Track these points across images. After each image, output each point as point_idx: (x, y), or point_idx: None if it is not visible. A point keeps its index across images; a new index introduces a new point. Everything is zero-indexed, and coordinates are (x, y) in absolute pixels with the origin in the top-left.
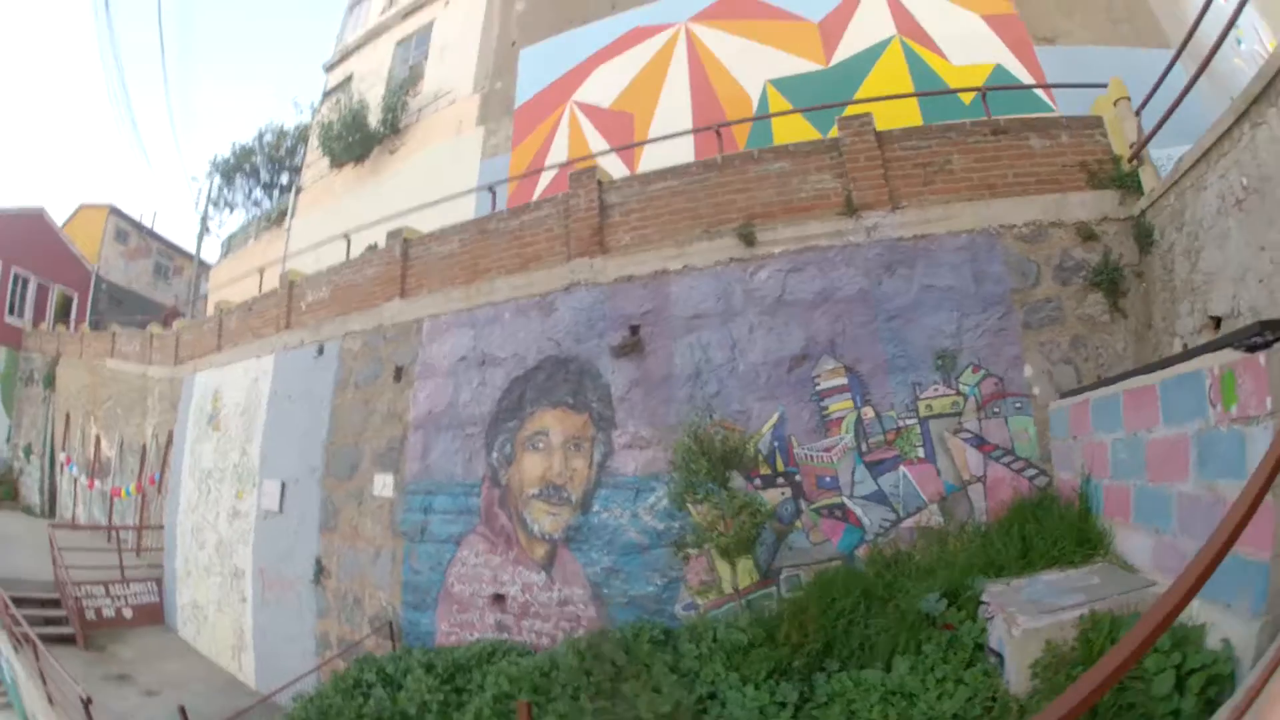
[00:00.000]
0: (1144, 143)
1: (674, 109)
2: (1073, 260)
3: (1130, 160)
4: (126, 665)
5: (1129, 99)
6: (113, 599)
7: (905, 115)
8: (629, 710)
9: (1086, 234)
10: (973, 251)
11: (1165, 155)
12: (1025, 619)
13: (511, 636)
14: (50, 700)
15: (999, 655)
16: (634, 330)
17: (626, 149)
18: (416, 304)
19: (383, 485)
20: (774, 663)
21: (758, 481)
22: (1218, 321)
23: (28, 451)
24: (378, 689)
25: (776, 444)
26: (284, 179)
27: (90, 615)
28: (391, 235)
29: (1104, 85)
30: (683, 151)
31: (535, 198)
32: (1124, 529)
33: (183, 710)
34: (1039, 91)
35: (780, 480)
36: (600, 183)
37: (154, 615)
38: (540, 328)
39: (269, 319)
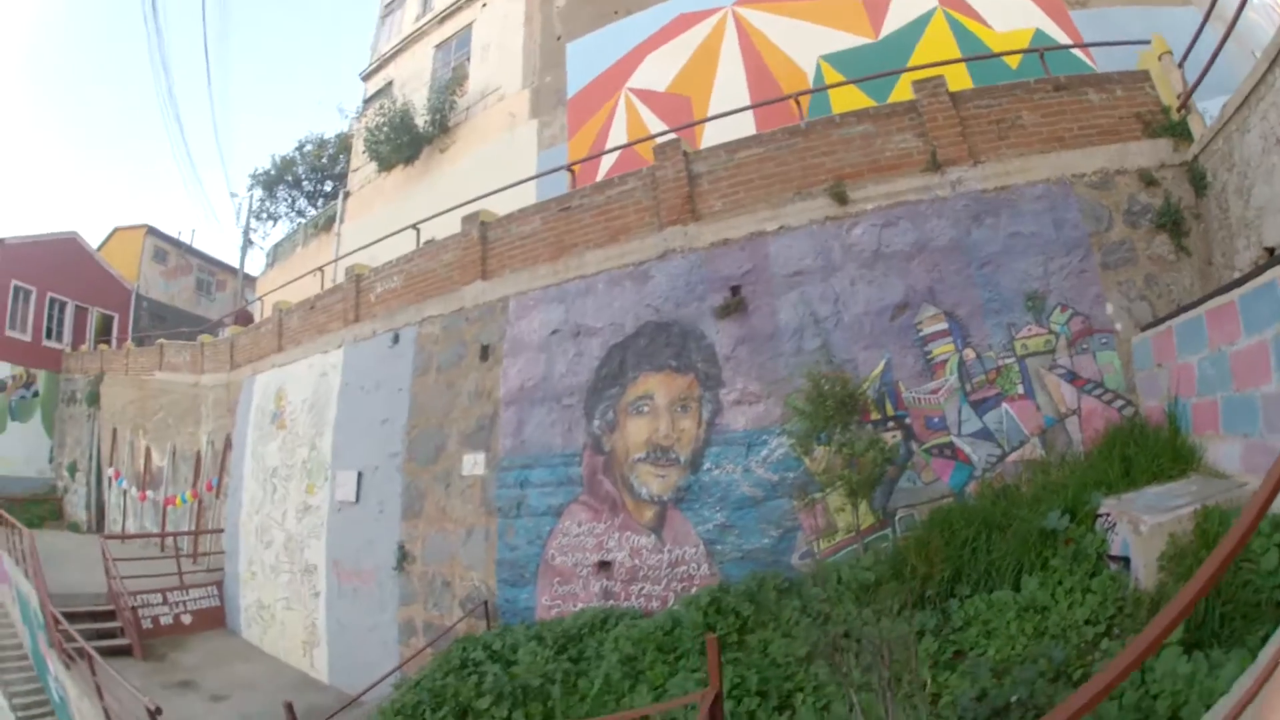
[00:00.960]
0: (1189, 92)
1: (730, 89)
2: (1139, 204)
3: (1179, 110)
4: (189, 671)
5: (1171, 53)
6: (170, 606)
7: (956, 82)
8: (762, 658)
9: (1148, 179)
10: (1050, 200)
11: (1201, 108)
12: (1149, 518)
13: (618, 603)
14: (108, 715)
15: (1123, 559)
16: (735, 290)
17: (687, 128)
18: (500, 283)
19: (473, 464)
20: (905, 596)
21: (869, 426)
22: (1271, 251)
23: (72, 469)
24: (488, 665)
25: (885, 389)
26: (327, 187)
27: (147, 624)
28: (467, 219)
29: (1145, 42)
30: (744, 128)
31: (600, 179)
32: (1213, 440)
33: (289, 707)
34: (1078, 53)
35: (890, 424)
36: (686, 153)
37: (215, 619)
38: (636, 295)
39: (335, 314)
